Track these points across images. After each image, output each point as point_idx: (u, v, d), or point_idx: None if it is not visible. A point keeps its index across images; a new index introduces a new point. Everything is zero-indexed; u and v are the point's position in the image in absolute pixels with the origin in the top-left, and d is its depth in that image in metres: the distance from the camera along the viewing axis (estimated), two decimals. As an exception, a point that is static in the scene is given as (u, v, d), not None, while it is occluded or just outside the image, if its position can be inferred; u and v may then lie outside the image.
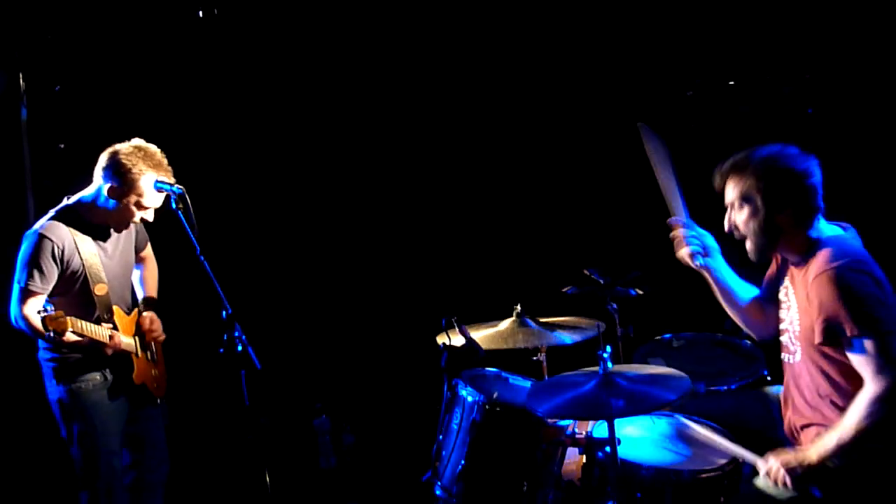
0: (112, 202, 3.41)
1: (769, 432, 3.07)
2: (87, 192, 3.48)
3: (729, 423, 3.13)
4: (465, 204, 5.39)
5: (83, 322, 3.34)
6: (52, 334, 3.17)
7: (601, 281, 4.05)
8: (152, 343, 3.73)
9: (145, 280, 3.89)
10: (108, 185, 3.38)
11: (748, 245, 2.84)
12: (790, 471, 2.69)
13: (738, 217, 2.82)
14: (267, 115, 5.44)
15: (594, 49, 5.03)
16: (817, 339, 2.68)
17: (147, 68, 5.13)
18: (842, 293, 2.62)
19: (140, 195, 3.38)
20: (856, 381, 2.65)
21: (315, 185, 5.54)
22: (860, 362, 2.62)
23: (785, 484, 2.69)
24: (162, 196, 3.44)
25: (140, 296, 3.85)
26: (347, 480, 4.94)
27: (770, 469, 2.74)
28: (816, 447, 2.69)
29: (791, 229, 2.79)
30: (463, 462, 3.15)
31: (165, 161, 3.44)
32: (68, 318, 3.22)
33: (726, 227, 2.87)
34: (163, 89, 5.20)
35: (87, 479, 3.51)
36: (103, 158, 3.40)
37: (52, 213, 3.45)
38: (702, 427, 3.08)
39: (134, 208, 3.41)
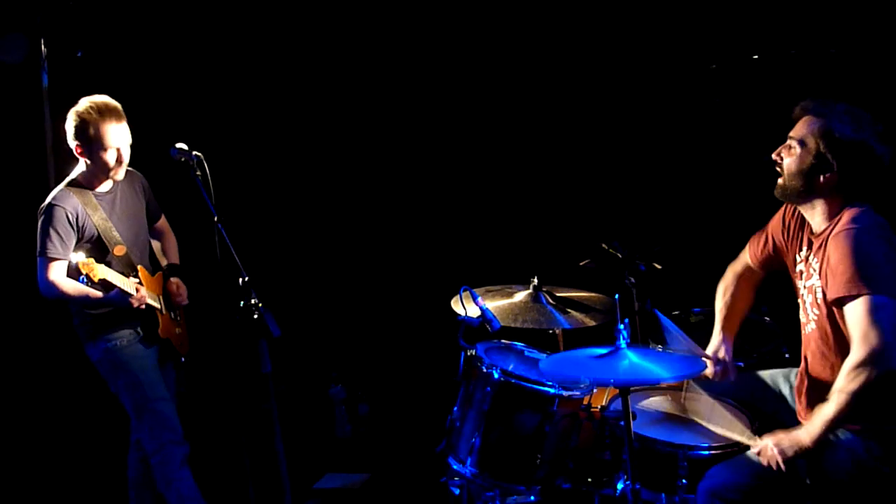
0: (89, 159, 3.55)
1: (780, 415, 3.04)
2: (78, 166, 3.65)
3: (743, 402, 3.12)
4: (485, 172, 5.36)
5: (112, 271, 3.50)
6: (84, 279, 3.36)
7: (619, 255, 4.02)
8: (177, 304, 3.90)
9: (166, 250, 4.04)
10: (76, 148, 3.55)
11: (780, 180, 2.83)
12: (782, 452, 2.65)
13: (789, 152, 2.80)
14: (287, 84, 5.43)
15: (617, 20, 4.96)
16: (831, 294, 2.64)
17: (168, 34, 5.13)
18: (852, 253, 2.59)
19: (100, 139, 3.50)
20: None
21: (332, 152, 5.53)
22: (851, 324, 2.59)
23: (777, 464, 2.66)
24: (123, 129, 3.55)
25: (164, 263, 3.99)
26: (362, 449, 4.98)
27: (764, 451, 2.70)
28: (808, 430, 2.64)
29: (828, 192, 2.75)
30: (477, 434, 3.15)
31: (110, 103, 3.55)
32: (99, 265, 3.41)
33: (774, 154, 2.84)
34: (184, 55, 5.19)
35: (141, 426, 3.68)
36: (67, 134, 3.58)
37: (60, 186, 3.60)
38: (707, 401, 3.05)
39: (103, 155, 3.53)
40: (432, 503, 4.06)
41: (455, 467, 3.22)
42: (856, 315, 2.57)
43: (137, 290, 3.56)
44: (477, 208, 5.37)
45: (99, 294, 3.50)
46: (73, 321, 3.71)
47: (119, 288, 3.49)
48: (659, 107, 5.00)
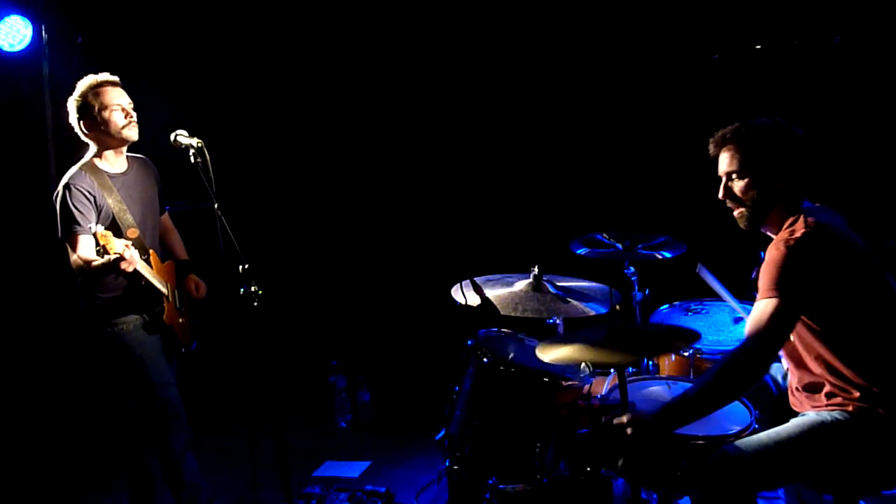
0: (99, 128, 3.53)
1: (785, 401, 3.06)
2: (88, 150, 3.62)
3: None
4: (486, 160, 5.36)
5: (120, 241, 3.36)
6: (100, 249, 3.27)
7: (618, 245, 4.02)
8: (183, 295, 3.85)
9: (172, 246, 3.99)
10: (82, 125, 3.54)
11: (742, 213, 2.85)
12: (619, 429, 2.65)
13: (736, 186, 2.83)
14: (289, 71, 5.42)
15: (619, 8, 4.95)
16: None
17: (169, 19, 5.12)
18: (778, 259, 2.64)
19: (101, 103, 3.49)
20: (833, 347, 2.70)
21: (334, 140, 5.52)
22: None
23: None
24: (121, 91, 3.54)
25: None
26: (362, 437, 4.99)
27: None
28: (655, 416, 2.65)
29: (781, 201, 2.80)
30: (476, 422, 3.16)
31: (101, 76, 3.55)
32: (117, 239, 3.30)
33: (720, 195, 2.88)
34: (185, 41, 5.18)
35: (148, 413, 3.64)
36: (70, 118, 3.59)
37: (74, 168, 3.57)
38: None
39: (109, 116, 3.51)
40: (432, 490, 4.07)
41: (455, 454, 3.23)
42: (754, 311, 2.66)
43: (126, 248, 3.32)
44: (478, 197, 5.37)
45: (108, 265, 3.34)
46: (79, 304, 3.67)
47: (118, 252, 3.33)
48: (659, 96, 4.99)
